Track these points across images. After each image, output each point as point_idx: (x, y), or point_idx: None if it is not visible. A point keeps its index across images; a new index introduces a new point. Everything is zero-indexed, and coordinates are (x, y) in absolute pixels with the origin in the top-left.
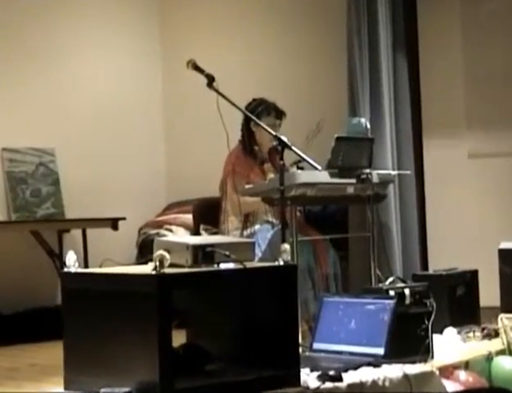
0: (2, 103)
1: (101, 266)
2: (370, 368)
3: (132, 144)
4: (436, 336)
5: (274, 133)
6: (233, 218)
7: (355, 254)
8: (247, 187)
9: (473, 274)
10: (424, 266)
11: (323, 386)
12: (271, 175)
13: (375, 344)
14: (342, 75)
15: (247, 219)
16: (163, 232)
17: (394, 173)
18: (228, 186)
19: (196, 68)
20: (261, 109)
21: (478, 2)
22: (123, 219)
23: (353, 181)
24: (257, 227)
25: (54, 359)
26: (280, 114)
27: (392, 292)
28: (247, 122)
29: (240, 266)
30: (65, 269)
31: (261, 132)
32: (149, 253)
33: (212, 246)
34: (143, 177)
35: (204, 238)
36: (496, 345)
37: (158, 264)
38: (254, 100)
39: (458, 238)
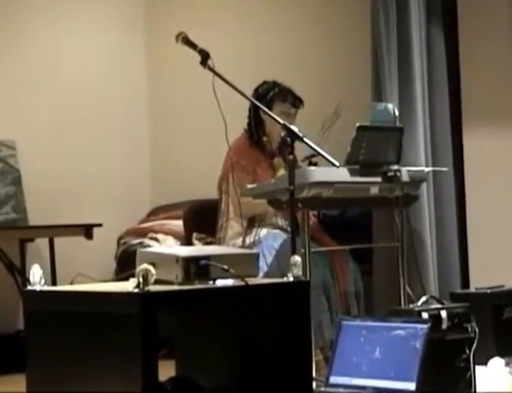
0: None
1: (72, 283)
2: None
3: (111, 136)
4: (479, 368)
5: (282, 121)
6: (234, 223)
7: (380, 268)
8: (250, 187)
9: None
10: (465, 283)
11: None
12: (281, 171)
13: (405, 378)
14: (365, 52)
15: (251, 224)
16: (147, 241)
17: (428, 169)
18: (229, 183)
19: (188, 43)
20: (274, 93)
21: None
22: (99, 225)
23: (378, 179)
24: (262, 233)
25: None
26: (297, 101)
27: (425, 315)
28: (256, 107)
29: (240, 283)
30: (29, 287)
31: (271, 120)
32: (130, 267)
33: (207, 258)
34: (123, 175)
35: (198, 249)
36: None
37: (141, 280)
38: (266, 82)
39: (506, 249)
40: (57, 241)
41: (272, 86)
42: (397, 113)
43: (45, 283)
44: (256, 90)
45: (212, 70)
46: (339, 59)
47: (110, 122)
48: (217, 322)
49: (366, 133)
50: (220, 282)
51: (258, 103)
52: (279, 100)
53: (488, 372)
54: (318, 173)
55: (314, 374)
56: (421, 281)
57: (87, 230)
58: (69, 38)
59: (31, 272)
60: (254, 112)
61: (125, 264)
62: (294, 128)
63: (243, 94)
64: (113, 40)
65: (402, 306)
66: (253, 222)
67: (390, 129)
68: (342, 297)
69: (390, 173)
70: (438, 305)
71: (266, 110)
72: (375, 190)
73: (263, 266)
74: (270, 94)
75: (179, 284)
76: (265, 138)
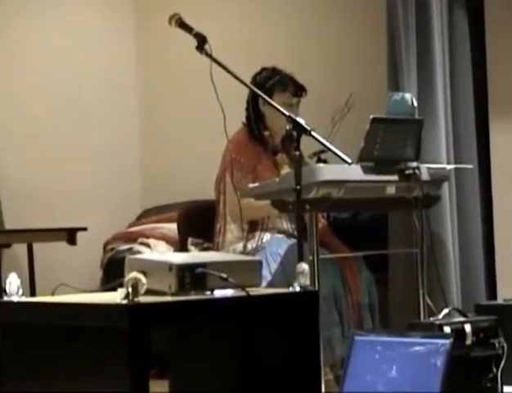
0: None
1: (53, 294)
2: None
3: (96, 131)
4: (507, 389)
5: (287, 113)
6: (233, 226)
7: (397, 277)
8: (251, 186)
9: None
10: (492, 294)
11: None
12: (286, 169)
13: None
14: (379, 36)
15: (253, 227)
16: (137, 247)
17: (450, 167)
18: (227, 183)
19: (182, 25)
20: (274, 82)
21: None
22: (84, 229)
23: (395, 178)
24: (265, 238)
25: None
26: (299, 89)
27: (447, 329)
28: (254, 98)
29: (241, 294)
30: (5, 298)
31: (272, 112)
32: (118, 276)
33: (204, 265)
34: (110, 174)
35: (193, 256)
36: None
37: (130, 290)
38: (264, 69)
39: None
40: (36, 247)
41: (271, 74)
42: (415, 103)
43: (23, 294)
44: (254, 78)
45: (209, 55)
46: (351, 43)
47: (94, 115)
48: (215, 338)
49: (381, 126)
50: (218, 293)
51: (261, 94)
52: (279, 89)
53: None
54: (328, 172)
55: None
56: (443, 291)
57: (69, 235)
58: (47, 24)
59: (7, 281)
60: (253, 104)
61: (112, 272)
62: (301, 121)
63: (244, 83)
64: (96, 25)
65: (422, 319)
66: (255, 226)
67: (408, 122)
68: (354, 309)
69: (408, 171)
70: (462, 318)
71: (270, 101)
72: (391, 190)
73: (267, 275)
74: (269, 83)
75: (173, 295)
76: (266, 133)
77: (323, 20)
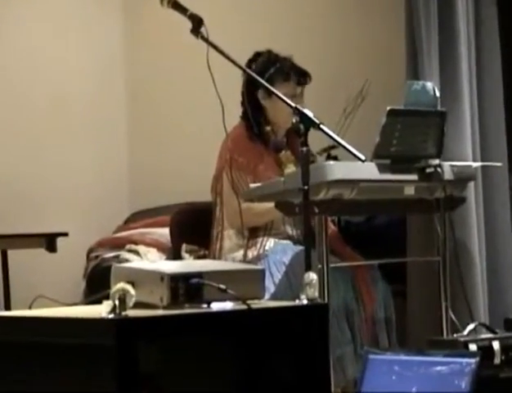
0: None
1: (30, 307)
2: None
3: (79, 126)
4: None
5: (293, 104)
6: (232, 232)
7: (417, 288)
8: (252, 186)
9: None
10: None
11: None
12: (290, 168)
13: None
14: (397, 17)
15: (254, 233)
16: (125, 255)
17: (476, 165)
18: (224, 184)
19: (176, 6)
20: (273, 71)
21: None
22: (65, 235)
23: (414, 177)
24: (268, 245)
25: None
26: (302, 77)
27: (473, 346)
28: (250, 90)
29: (242, 307)
30: None
31: (275, 104)
32: (103, 287)
33: (199, 275)
34: (94, 173)
35: (188, 264)
36: None
37: (117, 303)
38: (259, 54)
39: None
40: (12, 254)
41: (268, 60)
42: (437, 94)
43: None
44: (248, 66)
45: (206, 39)
46: (364, 24)
47: (77, 108)
48: (213, 356)
49: (399, 118)
50: (216, 306)
51: (266, 83)
52: (280, 79)
53: None
54: (339, 170)
55: None
56: (468, 304)
57: (49, 241)
58: (27, 11)
59: None
60: (249, 97)
61: (97, 283)
62: (308, 113)
63: (247, 71)
64: (78, 11)
65: (444, 336)
66: (256, 231)
67: (429, 114)
68: (368, 325)
69: (429, 170)
70: (490, 335)
71: (275, 91)
72: (410, 190)
73: (270, 286)
74: (268, 73)
75: (164, 308)
76: (268, 128)
77: (336, 2)
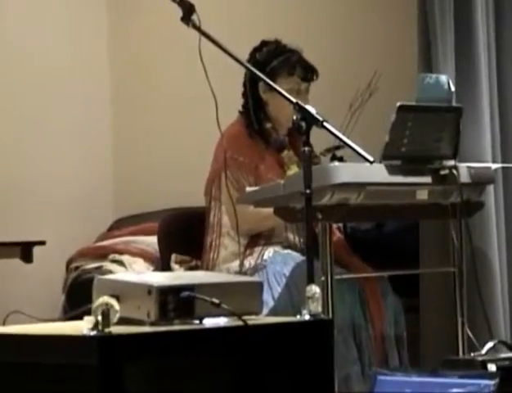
0: None
1: (4, 323)
2: None
3: (58, 125)
4: None
5: (294, 100)
6: (228, 240)
7: (430, 302)
8: (249, 190)
9: None
10: None
11: None
12: (293, 169)
13: None
14: (408, 4)
15: (252, 241)
16: (108, 265)
17: (496, 166)
18: (221, 187)
19: None
20: (277, 63)
21: None
22: (42, 243)
23: (427, 180)
24: (267, 254)
25: None
26: (309, 72)
27: (492, 367)
28: (253, 83)
29: (237, 323)
30: None
31: (276, 99)
32: (85, 301)
33: (191, 288)
34: (76, 177)
35: (178, 276)
36: None
37: (100, 319)
38: (266, 44)
39: None
40: None
41: (274, 51)
42: (453, 88)
43: None
44: (252, 56)
45: (198, 28)
46: (372, 13)
47: (57, 106)
48: (205, 377)
49: (410, 115)
50: (209, 322)
51: (263, 77)
52: (283, 73)
53: None
54: (344, 172)
55: None
56: (487, 320)
57: (24, 250)
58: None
59: None
60: (252, 89)
61: (78, 297)
62: (311, 109)
63: (242, 63)
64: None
65: (461, 355)
66: (255, 239)
67: (444, 110)
68: (377, 342)
69: (444, 172)
70: (510, 354)
71: (274, 85)
72: (422, 195)
73: (269, 300)
74: (271, 65)
75: (152, 325)
76: (269, 125)
77: None
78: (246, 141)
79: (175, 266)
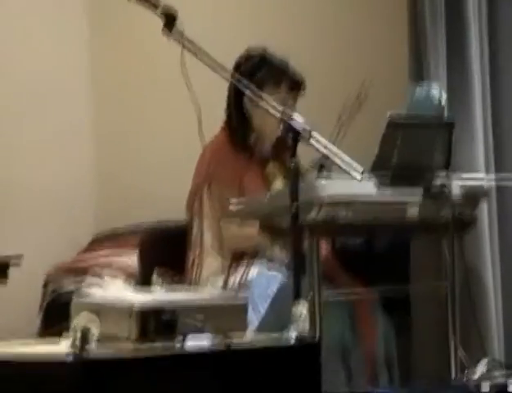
0: None
1: None
2: None
3: (36, 138)
4: None
5: (280, 108)
6: (211, 257)
7: (421, 320)
8: (233, 204)
9: None
10: None
11: None
12: (279, 183)
13: None
14: (399, 8)
15: (236, 258)
16: (87, 283)
17: (490, 178)
18: (204, 202)
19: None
20: (263, 74)
21: None
22: (17, 258)
23: (418, 195)
24: (252, 273)
25: None
26: (296, 83)
27: (486, 387)
28: (237, 94)
29: (221, 346)
30: None
31: (261, 111)
32: (62, 321)
33: (173, 312)
34: (54, 188)
35: (160, 295)
36: None
37: (79, 340)
38: (250, 54)
39: None
40: None
41: (260, 61)
42: (444, 101)
43: None
44: (236, 67)
45: (180, 38)
46: (364, 21)
47: (36, 118)
48: None
49: (400, 127)
50: (191, 344)
51: (250, 91)
52: (270, 84)
53: None
54: (332, 186)
55: None
56: (481, 338)
57: None
58: None
59: None
60: (236, 100)
61: (55, 316)
62: (299, 120)
63: (226, 77)
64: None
65: (453, 375)
66: (238, 255)
67: (435, 122)
68: (367, 364)
69: (436, 186)
70: (504, 372)
71: (263, 98)
72: (413, 210)
73: (253, 320)
74: (257, 75)
75: (133, 345)
76: (253, 136)
77: None
78: (230, 153)
79: (157, 284)
